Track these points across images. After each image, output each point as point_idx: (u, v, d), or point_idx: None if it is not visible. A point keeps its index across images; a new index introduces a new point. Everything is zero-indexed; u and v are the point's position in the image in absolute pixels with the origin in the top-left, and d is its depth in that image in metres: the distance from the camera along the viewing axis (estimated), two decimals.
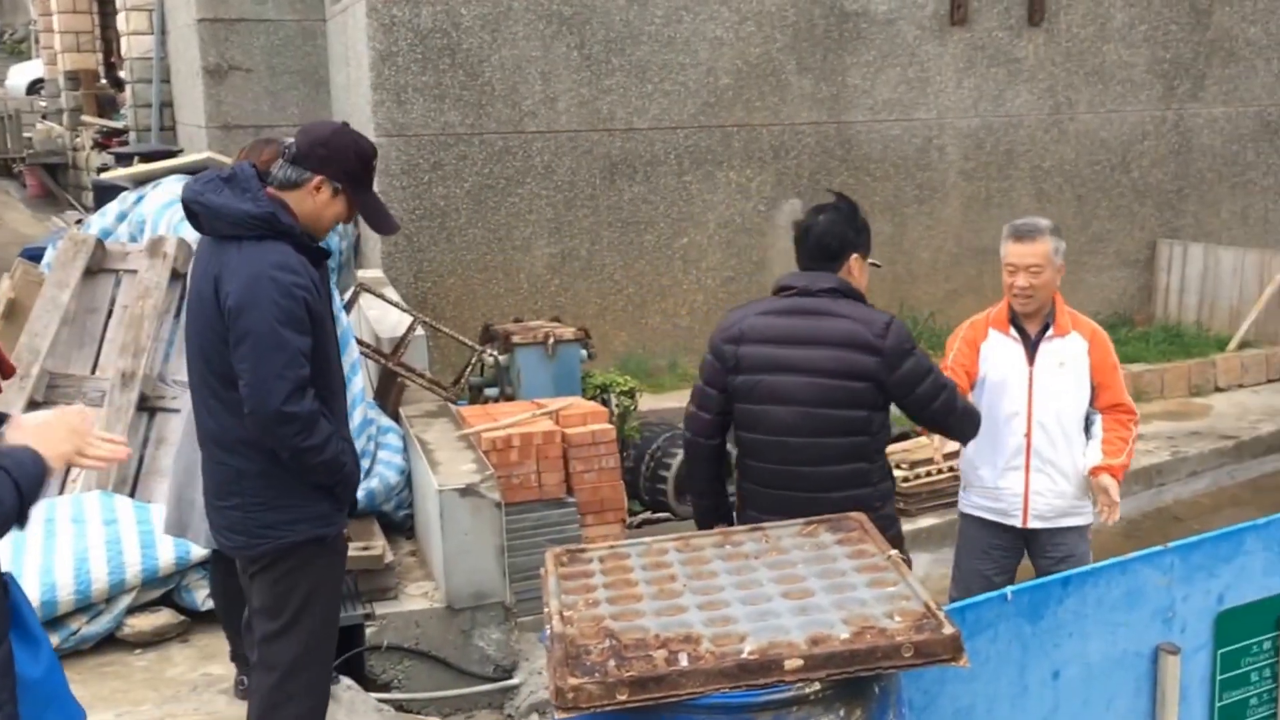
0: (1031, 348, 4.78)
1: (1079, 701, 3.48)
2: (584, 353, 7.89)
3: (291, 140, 3.78)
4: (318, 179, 3.71)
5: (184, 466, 4.63)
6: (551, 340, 7.65)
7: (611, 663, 2.40)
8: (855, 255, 4.08)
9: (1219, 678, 3.77)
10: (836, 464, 3.95)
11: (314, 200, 3.73)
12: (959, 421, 4.13)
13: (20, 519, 2.45)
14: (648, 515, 7.99)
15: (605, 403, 7.86)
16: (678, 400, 9.97)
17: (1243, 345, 11.29)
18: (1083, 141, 11.97)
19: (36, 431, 2.54)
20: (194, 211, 3.68)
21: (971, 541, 5.00)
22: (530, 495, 6.50)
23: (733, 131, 10.77)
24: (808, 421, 3.92)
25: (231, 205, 3.60)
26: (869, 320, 3.92)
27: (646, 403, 9.01)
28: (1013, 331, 4.82)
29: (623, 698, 2.33)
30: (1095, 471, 4.71)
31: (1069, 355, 4.76)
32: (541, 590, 2.81)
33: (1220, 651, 3.76)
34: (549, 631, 2.59)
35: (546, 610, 2.68)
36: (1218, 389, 10.95)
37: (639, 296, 10.70)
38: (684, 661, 2.37)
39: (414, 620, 5.56)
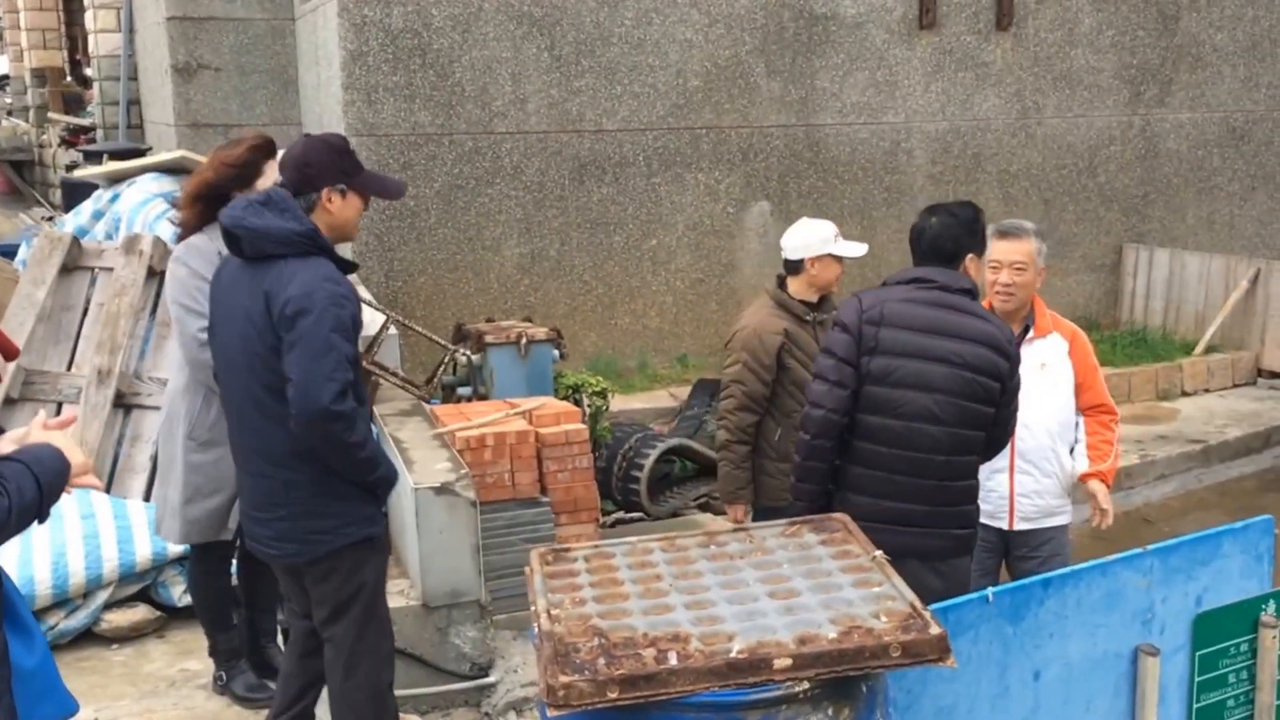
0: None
1: (1059, 702, 3.49)
2: (556, 353, 7.87)
3: (280, 179, 3.92)
4: (324, 192, 3.88)
5: (162, 464, 4.67)
6: (524, 340, 7.63)
7: (601, 661, 2.40)
8: (971, 256, 4.19)
9: (1197, 679, 3.79)
10: (966, 454, 4.08)
11: (332, 211, 3.90)
12: (1004, 440, 4.30)
13: (41, 513, 2.47)
14: (620, 515, 7.99)
15: (578, 403, 7.85)
16: (647, 401, 10.04)
17: (1209, 350, 11.39)
18: (1050, 146, 12.05)
19: (55, 437, 2.57)
20: (236, 236, 3.81)
21: None
22: (504, 494, 6.47)
23: (702, 134, 10.78)
24: (947, 410, 4.00)
25: (276, 225, 3.76)
26: (1001, 326, 4.13)
27: (616, 403, 8.99)
28: None
29: (613, 695, 2.33)
30: (1084, 478, 4.77)
31: (1050, 357, 4.79)
32: (527, 589, 2.81)
33: (1198, 653, 3.77)
34: (537, 630, 2.59)
35: (533, 609, 2.67)
36: (1184, 393, 11.04)
37: (608, 297, 10.70)
38: (673, 660, 2.37)
39: (390, 618, 5.54)
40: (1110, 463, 4.78)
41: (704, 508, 8.23)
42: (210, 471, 4.53)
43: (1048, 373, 4.77)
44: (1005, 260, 4.70)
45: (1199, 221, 12.81)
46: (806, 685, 2.41)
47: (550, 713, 2.33)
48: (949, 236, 4.14)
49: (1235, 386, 11.27)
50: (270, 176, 4.51)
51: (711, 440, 8.67)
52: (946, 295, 4.08)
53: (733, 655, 2.37)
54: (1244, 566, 3.79)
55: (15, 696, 2.57)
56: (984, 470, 4.77)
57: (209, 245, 4.47)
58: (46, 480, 2.46)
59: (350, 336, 3.77)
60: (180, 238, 4.61)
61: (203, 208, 4.52)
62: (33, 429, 2.60)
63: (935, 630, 2.45)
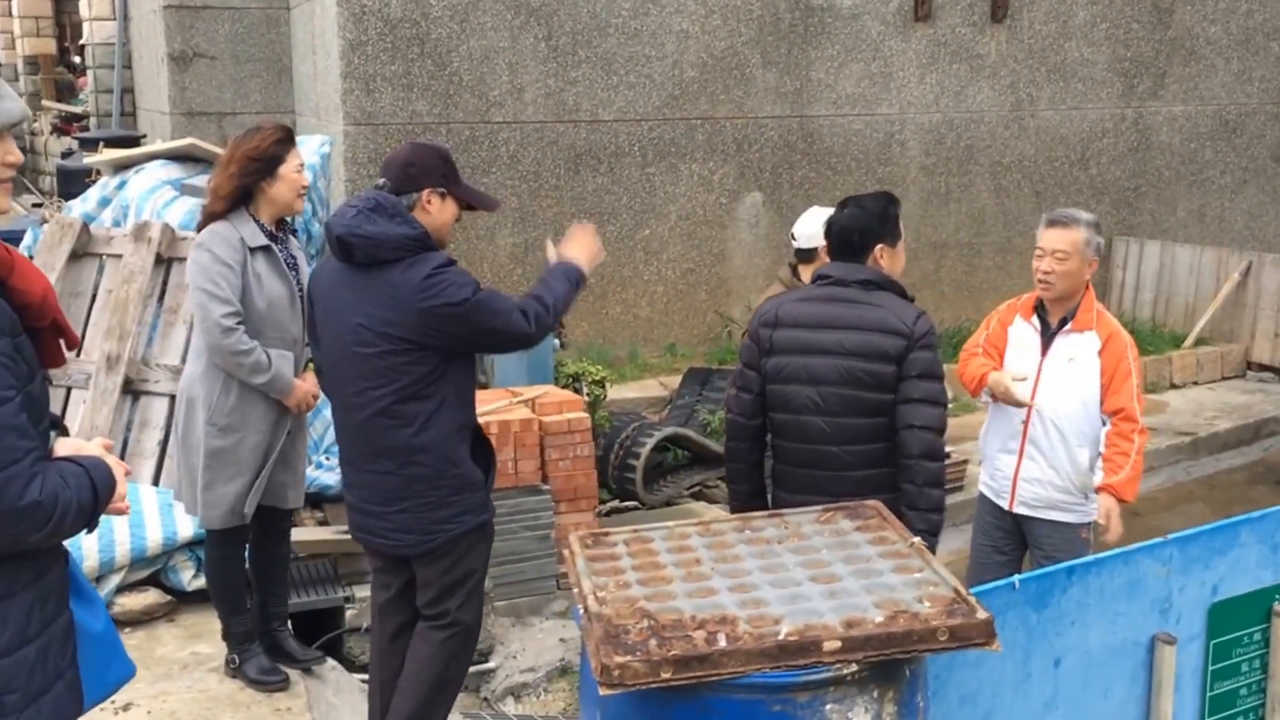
0: (1048, 339, 4.85)
1: (1078, 689, 3.54)
2: (556, 342, 7.91)
3: (383, 180, 4.02)
4: (425, 194, 4.01)
5: (182, 449, 4.69)
6: None
7: (652, 642, 2.44)
8: (881, 246, 4.19)
9: (1211, 668, 3.84)
10: (857, 443, 4.06)
11: (430, 213, 4.02)
12: (931, 448, 4.01)
13: (92, 520, 2.54)
14: (616, 504, 8.02)
15: (578, 391, 7.88)
16: (637, 390, 10.07)
17: (1198, 342, 11.47)
18: (1042, 138, 12.12)
19: (109, 459, 2.63)
20: (350, 244, 3.91)
21: (979, 517, 5.13)
22: (506, 482, 6.50)
23: (696, 124, 10.81)
24: (829, 401, 4.05)
25: (391, 231, 3.88)
26: (900, 309, 4.06)
27: (608, 392, 9.03)
28: (1034, 320, 4.90)
29: (666, 675, 2.37)
30: (1098, 489, 4.74)
31: (1080, 352, 4.79)
32: (569, 571, 2.84)
33: (1213, 642, 3.83)
34: (583, 611, 2.62)
35: (578, 591, 2.71)
36: (1173, 386, 11.10)
37: (600, 287, 10.72)
38: (723, 642, 2.41)
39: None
40: (1124, 475, 4.68)
41: (697, 496, 8.28)
42: (229, 456, 4.55)
43: (1073, 367, 4.78)
44: (1048, 248, 4.74)
45: (1190, 214, 12.89)
46: (854, 668, 2.46)
47: (603, 692, 2.37)
48: (855, 228, 4.19)
49: (1224, 379, 11.34)
50: (292, 164, 4.56)
51: (704, 429, 8.73)
52: (839, 289, 4.15)
53: (782, 637, 2.42)
54: (1260, 556, 3.84)
55: (88, 660, 2.64)
56: (994, 447, 4.94)
57: (231, 232, 4.49)
58: (102, 489, 2.53)
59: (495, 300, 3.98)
60: (200, 225, 4.62)
61: (233, 204, 4.56)
62: (89, 445, 2.66)
63: (982, 615, 2.50)
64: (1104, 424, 4.79)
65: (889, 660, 2.47)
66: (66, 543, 2.62)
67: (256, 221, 4.57)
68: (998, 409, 4.95)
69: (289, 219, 4.76)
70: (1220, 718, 3.88)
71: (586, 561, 2.84)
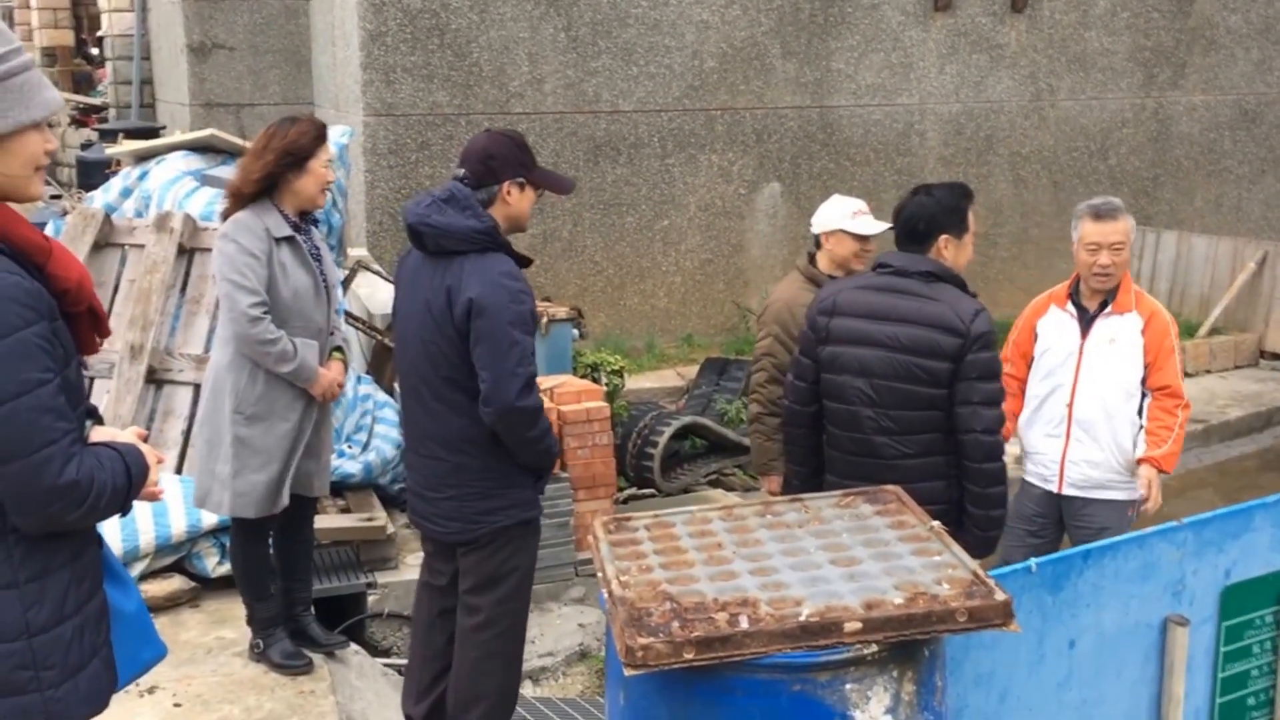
0: (1087, 323, 4.93)
1: (1091, 670, 3.58)
2: (575, 331, 7.95)
3: (462, 170, 4.07)
4: (505, 185, 4.04)
5: (205, 440, 4.71)
6: (545, 319, 7.70)
7: (675, 624, 2.48)
8: (946, 237, 4.21)
9: (1223, 649, 3.87)
10: (908, 435, 4.11)
11: (510, 203, 4.08)
12: (992, 451, 4.12)
13: (125, 505, 2.61)
14: (634, 491, 8.08)
15: (596, 380, 7.93)
16: (655, 380, 10.12)
17: (1213, 332, 11.45)
18: (1062, 128, 12.11)
19: (143, 447, 2.70)
20: (420, 232, 4.01)
21: (1019, 503, 5.15)
22: None
23: (716, 115, 10.84)
24: (881, 393, 4.10)
25: (459, 223, 3.95)
26: (958, 304, 4.07)
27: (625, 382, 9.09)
28: (1070, 307, 4.98)
29: (689, 656, 2.42)
30: (1140, 461, 4.85)
31: (1121, 333, 4.88)
32: (593, 556, 2.89)
33: (1225, 624, 3.86)
34: (607, 595, 2.67)
35: (601, 575, 2.76)
36: (1186, 374, 10.99)
37: (618, 278, 10.77)
38: (745, 623, 2.46)
39: (413, 589, 5.62)
40: (1166, 448, 4.82)
41: (714, 484, 8.35)
42: (258, 444, 4.60)
43: (1115, 348, 4.87)
44: (1104, 241, 4.80)
45: (1207, 204, 12.88)
46: (875, 648, 2.50)
47: (628, 672, 2.42)
48: (922, 217, 4.21)
49: (1237, 368, 11.34)
50: (323, 159, 4.62)
51: (721, 418, 8.78)
52: (899, 279, 4.17)
53: (804, 618, 2.46)
54: (1273, 540, 3.87)
55: (122, 639, 2.72)
56: (1039, 433, 5.01)
57: (256, 221, 4.54)
58: (135, 474, 2.60)
59: (530, 330, 3.99)
60: (225, 210, 4.68)
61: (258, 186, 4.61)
62: (123, 433, 2.73)
63: (1000, 596, 2.54)
64: (1144, 397, 4.90)
65: (908, 641, 2.52)
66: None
67: (280, 212, 4.62)
68: (1039, 399, 5.04)
69: (311, 212, 4.81)
70: (1231, 698, 3.90)
71: (610, 546, 2.89)
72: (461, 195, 4.01)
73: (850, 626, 2.42)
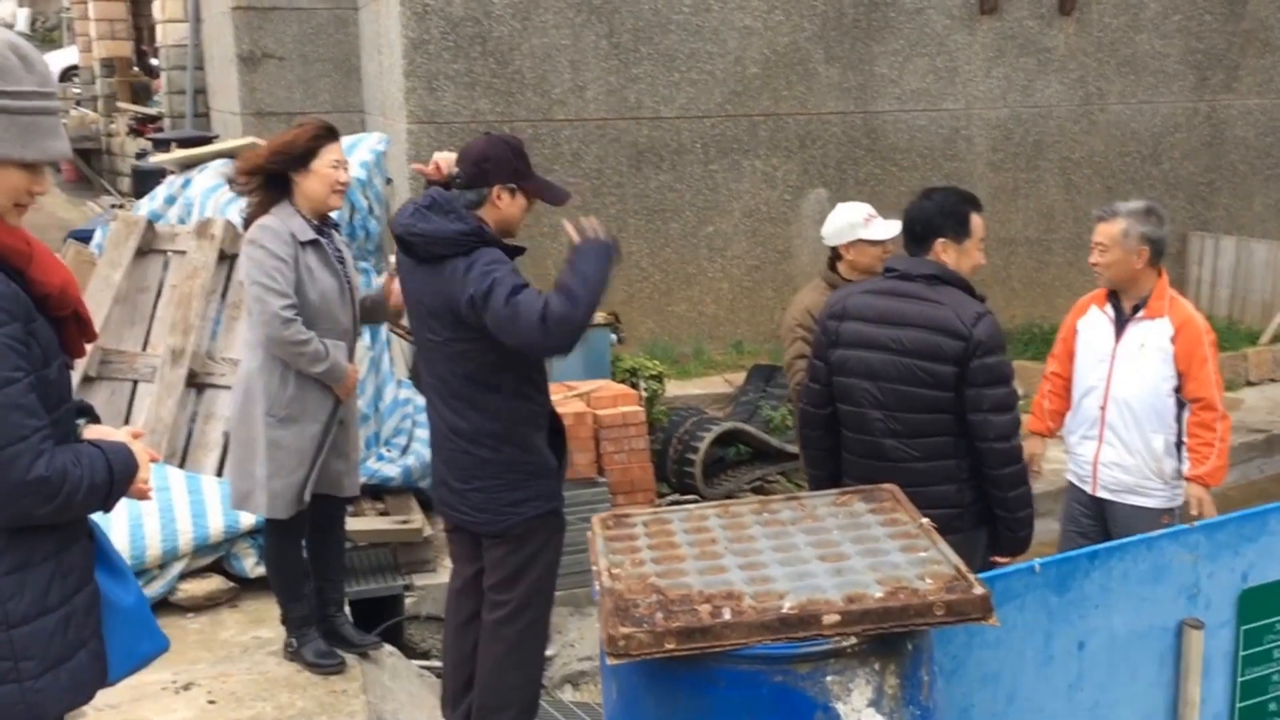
0: (1120, 326, 4.96)
1: (1103, 672, 3.57)
2: (613, 337, 8.02)
3: (457, 171, 4.15)
4: (495, 188, 4.12)
5: (240, 443, 4.79)
6: None
7: (659, 615, 2.53)
8: (943, 240, 4.23)
9: (1241, 654, 3.84)
10: (916, 438, 4.15)
11: (500, 208, 4.13)
12: (1008, 456, 4.14)
13: (106, 502, 2.67)
14: (676, 497, 8.11)
15: (634, 386, 7.98)
16: (702, 387, 10.14)
17: (1275, 339, 11.28)
18: (1113, 133, 11.98)
19: (134, 445, 2.77)
20: (409, 242, 4.09)
21: (1067, 503, 5.30)
22: None
23: (759, 120, 10.86)
24: (887, 396, 4.15)
25: (443, 228, 4.03)
26: (961, 308, 4.10)
27: (672, 389, 9.14)
28: (1108, 309, 5.01)
29: (670, 646, 2.46)
30: (1187, 479, 4.89)
31: (1152, 339, 4.89)
32: (588, 551, 2.94)
33: (1243, 628, 3.83)
34: (598, 587, 2.72)
35: (595, 568, 2.80)
36: (1249, 383, 10.92)
37: (665, 284, 10.81)
38: (727, 615, 2.50)
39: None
40: (1210, 464, 4.82)
41: (758, 490, 8.35)
42: (291, 445, 4.67)
43: (1144, 353, 4.88)
44: (1094, 240, 4.94)
45: (1267, 209, 12.68)
46: (854, 641, 2.53)
47: (610, 662, 2.46)
48: (918, 219, 4.26)
49: None
50: (327, 159, 4.67)
51: (767, 425, 8.79)
52: (902, 283, 4.21)
53: (784, 611, 2.49)
54: None
55: (119, 634, 2.79)
56: (1076, 435, 5.10)
57: (281, 225, 4.61)
58: (119, 471, 2.66)
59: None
60: (247, 220, 4.76)
61: (264, 191, 4.69)
62: (117, 432, 2.80)
63: (978, 591, 2.55)
64: (1182, 407, 4.90)
65: (889, 634, 2.54)
66: (110, 523, 2.76)
67: (302, 216, 4.69)
68: (1077, 399, 5.11)
69: (331, 215, 4.88)
70: (1251, 703, 3.87)
71: (605, 541, 2.94)
72: (443, 199, 4.09)
73: (829, 619, 2.45)
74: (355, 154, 7.01)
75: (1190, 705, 3.69)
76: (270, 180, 4.67)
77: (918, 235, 4.26)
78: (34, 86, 2.49)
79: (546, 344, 3.94)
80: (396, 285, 4.78)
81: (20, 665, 2.55)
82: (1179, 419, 4.92)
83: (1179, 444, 4.93)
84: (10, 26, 31.22)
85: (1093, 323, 5.07)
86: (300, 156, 4.63)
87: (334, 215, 4.92)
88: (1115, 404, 4.94)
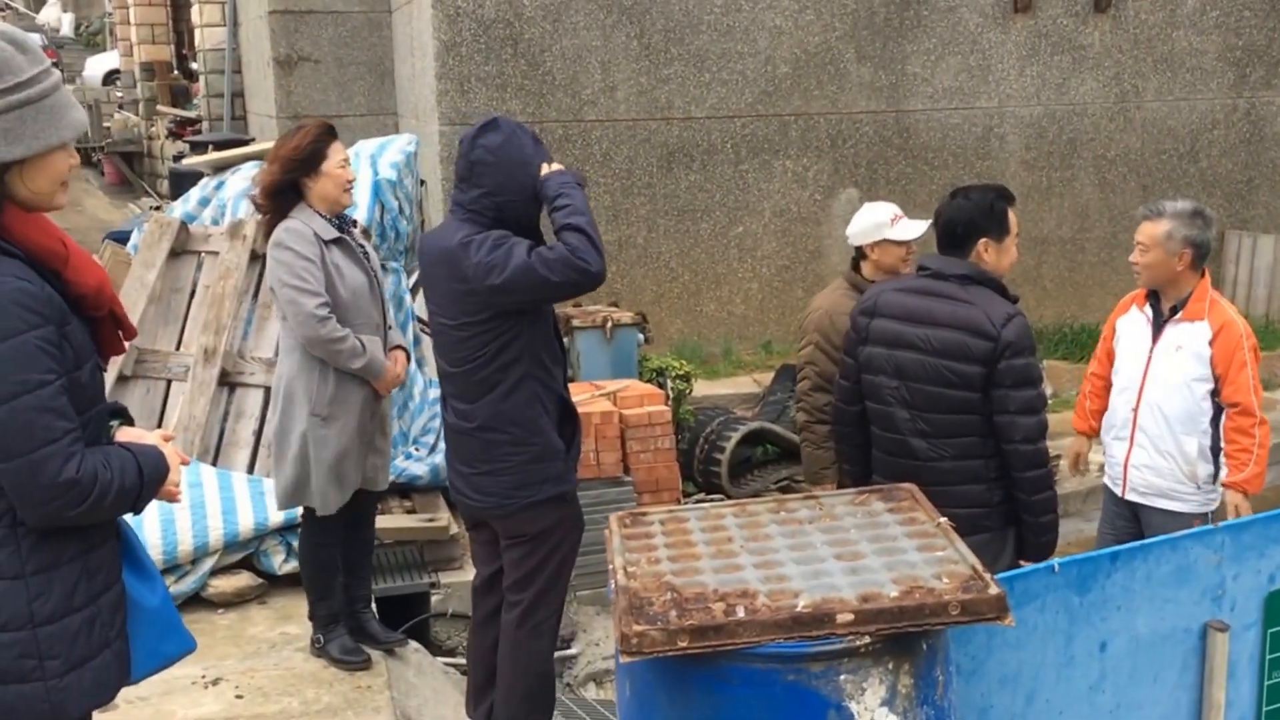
0: (1158, 327, 4.92)
1: (1126, 674, 3.54)
2: (641, 336, 8.03)
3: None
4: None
5: (286, 442, 4.79)
6: (610, 324, 7.78)
7: (673, 613, 2.54)
8: (985, 240, 4.21)
9: (1268, 656, 3.81)
10: (943, 437, 4.13)
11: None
12: (1033, 459, 4.11)
13: (137, 504, 2.68)
14: (702, 497, 8.12)
15: (661, 386, 7.99)
16: (731, 387, 10.14)
17: None
18: (1149, 131, 11.86)
19: (165, 447, 2.79)
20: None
21: (1104, 507, 5.28)
22: (588, 474, 6.64)
23: (790, 120, 10.84)
24: (914, 395, 4.15)
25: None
26: (991, 308, 4.07)
27: (701, 389, 9.13)
28: (1146, 309, 4.98)
29: (683, 644, 2.47)
30: (1225, 486, 4.85)
31: (1189, 341, 4.83)
32: (606, 549, 2.95)
33: (1270, 631, 3.79)
34: (614, 584, 2.73)
35: (611, 566, 2.82)
36: None
37: (694, 284, 10.81)
38: (741, 613, 2.50)
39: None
40: (1249, 470, 4.76)
41: (784, 490, 8.33)
42: (334, 443, 4.71)
43: (1180, 355, 4.83)
44: (1135, 239, 4.88)
45: None
46: (868, 640, 2.53)
47: (624, 659, 2.48)
48: (959, 220, 4.22)
49: None
50: (335, 159, 4.71)
51: (794, 425, 8.77)
52: (935, 282, 4.19)
53: (798, 610, 2.50)
54: None
55: (144, 634, 2.80)
56: (1109, 435, 5.09)
57: (304, 227, 4.65)
58: (149, 474, 2.68)
59: None
60: (265, 228, 4.82)
61: (280, 200, 4.73)
62: (149, 435, 2.82)
63: (994, 590, 2.55)
64: (1219, 411, 4.84)
65: (904, 633, 2.54)
66: (143, 518, 2.78)
67: (321, 216, 4.73)
68: (1114, 399, 5.09)
69: (347, 214, 4.91)
70: (1278, 707, 3.84)
71: (622, 539, 2.95)
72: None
73: (842, 618, 2.45)
74: (385, 155, 7.05)
75: (1215, 709, 3.67)
76: (281, 189, 4.72)
77: (958, 236, 4.21)
78: (39, 68, 2.50)
79: (574, 268, 3.92)
80: (401, 358, 4.95)
81: (45, 664, 2.57)
82: (1215, 423, 4.85)
83: (1215, 448, 4.87)
84: (56, 31, 31.59)
85: (1132, 322, 5.04)
86: (309, 160, 4.67)
87: (349, 212, 4.97)
88: (1147, 405, 4.89)
